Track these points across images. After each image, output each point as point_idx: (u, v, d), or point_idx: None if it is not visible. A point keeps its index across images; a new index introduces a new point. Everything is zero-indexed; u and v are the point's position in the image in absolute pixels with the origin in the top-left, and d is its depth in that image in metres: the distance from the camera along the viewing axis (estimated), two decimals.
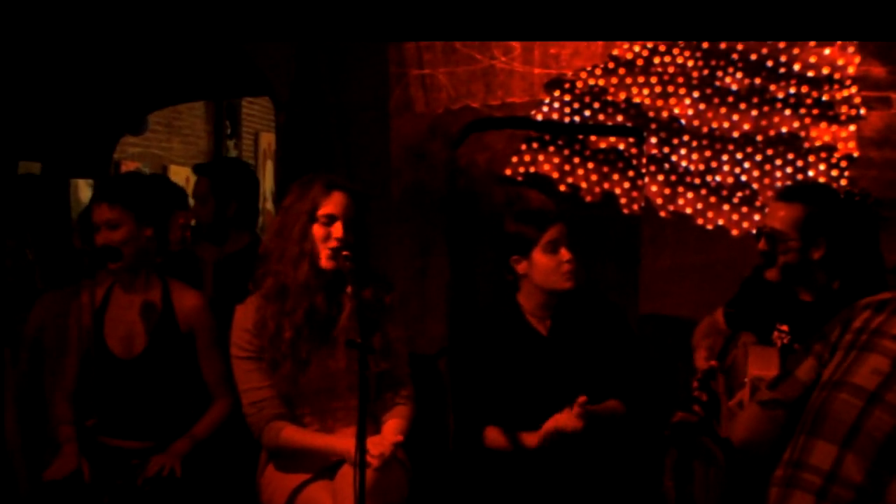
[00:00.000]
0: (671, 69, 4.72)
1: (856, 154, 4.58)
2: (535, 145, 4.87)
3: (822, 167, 4.59)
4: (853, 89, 4.58)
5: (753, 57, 4.63)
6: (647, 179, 4.77)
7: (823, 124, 4.61)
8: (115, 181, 4.23)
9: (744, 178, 4.68)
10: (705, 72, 4.69)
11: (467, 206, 4.86)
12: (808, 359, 2.77)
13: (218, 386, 3.82)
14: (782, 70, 4.62)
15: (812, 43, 4.59)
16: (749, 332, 3.50)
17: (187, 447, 3.69)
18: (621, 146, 4.84)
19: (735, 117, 4.67)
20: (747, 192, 4.67)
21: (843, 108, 4.59)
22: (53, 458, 3.64)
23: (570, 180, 4.85)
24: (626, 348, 3.78)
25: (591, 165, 4.85)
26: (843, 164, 4.58)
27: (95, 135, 7.39)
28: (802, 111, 4.62)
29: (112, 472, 3.59)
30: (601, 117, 4.80)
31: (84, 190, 7.28)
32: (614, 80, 4.76)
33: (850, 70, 4.57)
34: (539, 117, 4.81)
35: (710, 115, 4.70)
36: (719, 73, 4.68)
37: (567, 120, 4.80)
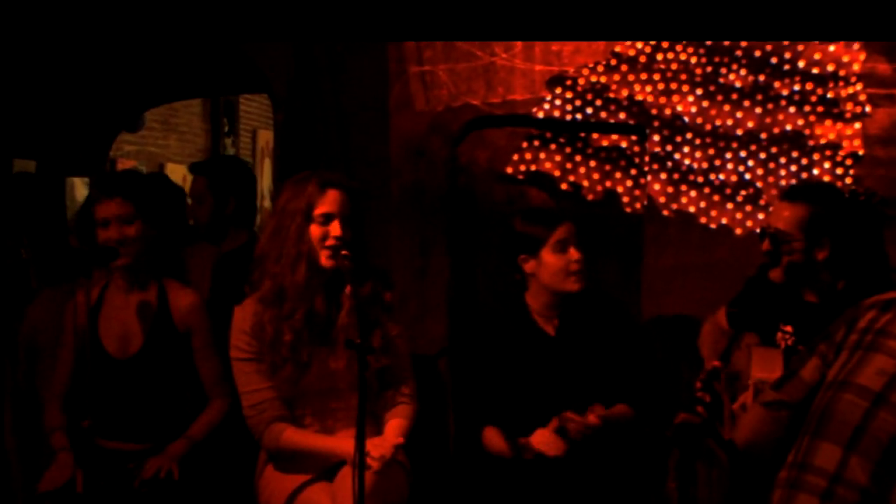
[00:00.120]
0: (674, 66, 4.72)
1: (861, 152, 4.58)
2: (536, 143, 4.87)
3: (826, 165, 4.59)
4: (858, 86, 4.58)
5: (757, 54, 4.63)
6: (649, 178, 4.77)
7: (828, 122, 4.61)
8: (124, 177, 4.20)
9: (748, 176, 4.68)
10: (709, 69, 4.69)
11: (468, 204, 4.86)
12: (812, 359, 2.78)
13: (214, 386, 3.82)
14: (787, 67, 4.62)
15: None
16: (752, 332, 3.50)
17: (184, 449, 3.69)
18: (623, 144, 4.84)
19: (739, 115, 4.67)
20: (751, 190, 4.68)
21: (849, 106, 4.59)
22: (48, 466, 3.63)
23: (571, 178, 4.85)
24: (634, 351, 3.78)
25: (592, 163, 4.85)
26: (849, 162, 4.58)
27: (91, 132, 7.38)
28: (807, 108, 4.62)
29: (109, 475, 3.59)
30: (603, 115, 4.80)
31: (80, 188, 7.27)
32: (616, 77, 4.76)
33: (856, 67, 4.57)
34: (540, 115, 4.81)
35: (713, 112, 4.70)
36: (723, 70, 4.68)
37: (569, 117, 4.80)
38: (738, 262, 4.40)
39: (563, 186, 4.84)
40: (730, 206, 4.70)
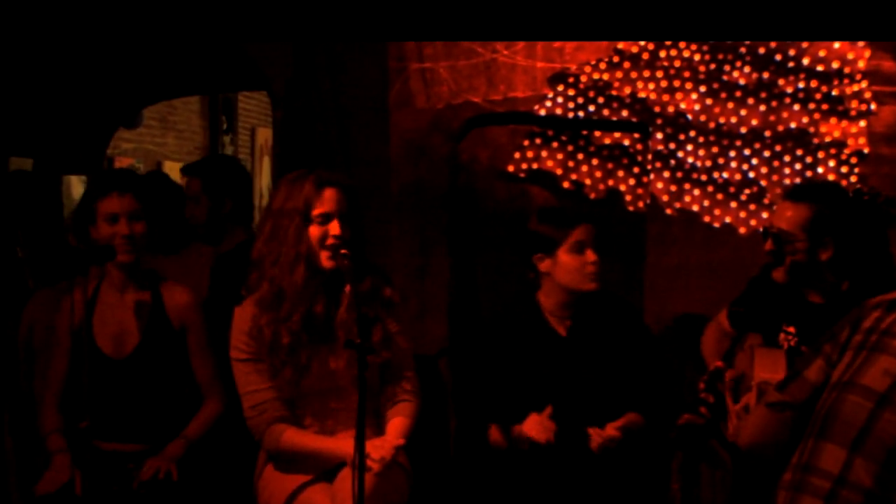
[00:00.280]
0: (677, 63, 4.72)
1: (866, 150, 4.58)
2: (538, 141, 4.87)
3: (831, 164, 4.60)
4: (863, 84, 4.58)
5: (761, 51, 4.63)
6: (652, 176, 4.77)
7: (833, 120, 4.61)
8: (131, 174, 4.18)
9: (751, 174, 4.68)
10: (712, 66, 4.69)
11: (469, 203, 4.86)
12: (817, 359, 2.78)
13: (209, 384, 3.83)
14: (791, 64, 4.62)
15: None
16: (755, 333, 3.50)
17: (182, 449, 3.69)
18: (626, 142, 4.84)
19: (743, 112, 4.67)
20: (755, 189, 4.68)
21: (854, 104, 4.59)
22: (45, 468, 3.63)
23: (573, 177, 4.85)
24: (645, 355, 3.79)
25: (595, 162, 4.85)
26: (853, 160, 4.59)
27: (88, 130, 7.39)
28: (812, 106, 4.63)
29: (107, 476, 3.59)
30: (606, 112, 4.80)
31: (77, 186, 7.27)
32: (619, 75, 4.76)
33: (861, 64, 4.57)
34: (542, 112, 4.82)
35: (717, 110, 4.70)
36: (727, 68, 4.68)
37: (571, 115, 4.80)
38: (742, 262, 4.40)
39: (565, 185, 4.85)
40: (733, 204, 4.70)
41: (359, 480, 2.91)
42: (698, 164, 4.73)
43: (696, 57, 4.70)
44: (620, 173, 4.85)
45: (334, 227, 3.32)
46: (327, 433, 3.42)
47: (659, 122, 4.75)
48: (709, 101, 4.71)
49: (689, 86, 4.71)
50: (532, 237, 3.73)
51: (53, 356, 3.73)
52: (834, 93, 4.60)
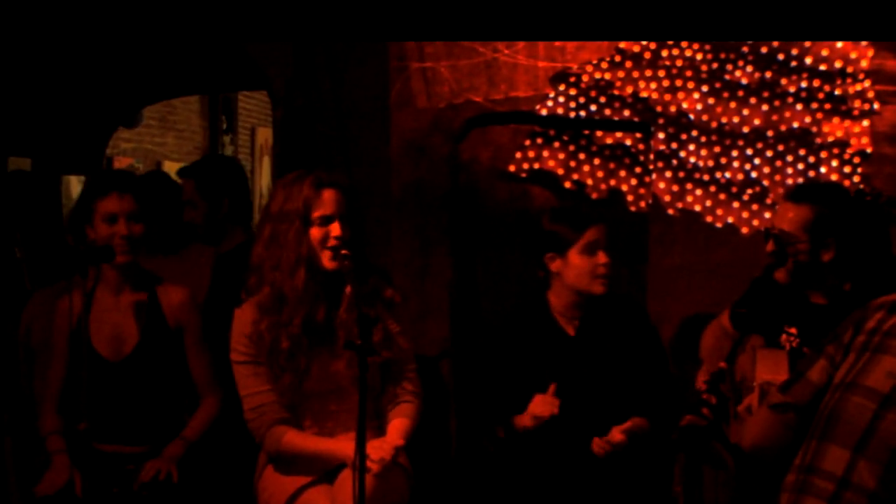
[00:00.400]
0: (679, 63, 4.71)
1: (869, 150, 4.58)
2: (539, 141, 4.87)
3: (834, 163, 4.59)
4: (866, 83, 4.58)
5: (764, 50, 4.63)
6: (654, 176, 4.77)
7: (836, 119, 4.60)
8: (130, 175, 4.17)
9: (754, 174, 4.68)
10: (714, 65, 4.69)
11: (470, 203, 4.86)
12: (819, 361, 2.78)
13: (206, 383, 3.83)
14: (793, 64, 4.62)
15: None
16: (757, 334, 3.50)
17: (181, 450, 3.70)
18: (628, 142, 4.84)
19: (745, 112, 4.67)
20: (757, 188, 4.67)
21: (857, 103, 4.59)
22: (45, 469, 3.63)
23: (575, 177, 4.85)
24: (653, 361, 3.79)
25: (597, 161, 4.85)
26: (856, 160, 4.58)
27: (87, 130, 7.39)
28: (814, 106, 4.62)
29: (107, 478, 3.59)
30: (607, 112, 4.79)
31: (76, 186, 7.29)
32: (621, 74, 4.76)
33: (864, 64, 4.57)
34: (544, 112, 4.81)
35: (719, 109, 4.69)
36: (729, 67, 4.68)
37: (572, 115, 4.80)
38: (744, 262, 4.40)
39: (567, 185, 4.84)
40: (736, 204, 4.70)
41: (359, 482, 2.91)
42: (700, 163, 4.73)
43: (699, 56, 4.70)
44: (622, 173, 4.85)
45: (335, 229, 3.32)
46: (327, 435, 3.42)
47: (661, 121, 4.75)
48: (711, 101, 4.70)
49: (691, 85, 4.70)
50: (544, 236, 3.73)
51: (51, 359, 3.73)
52: (837, 92, 4.60)
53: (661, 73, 4.73)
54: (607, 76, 4.77)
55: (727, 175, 4.70)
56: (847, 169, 4.58)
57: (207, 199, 4.66)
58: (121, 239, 3.62)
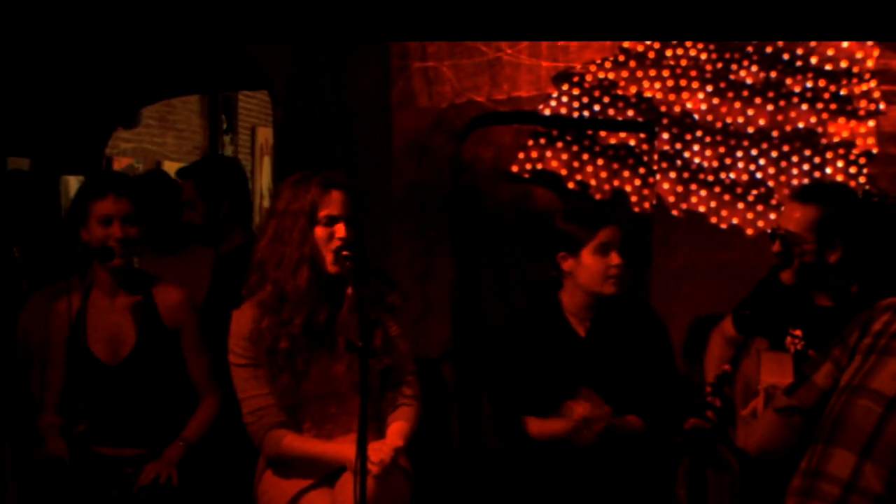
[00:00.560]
0: (684, 62, 4.71)
1: (875, 150, 4.57)
2: (542, 141, 4.87)
3: (839, 164, 4.59)
4: (872, 83, 4.57)
5: (769, 50, 4.62)
6: (658, 176, 4.76)
7: (841, 119, 4.60)
8: (127, 177, 4.15)
9: (759, 175, 4.67)
10: (719, 65, 4.69)
11: (472, 204, 4.86)
12: (825, 364, 2.77)
13: (205, 383, 3.82)
14: (799, 63, 4.62)
15: None
16: (761, 336, 3.50)
17: (181, 452, 3.69)
18: (632, 142, 4.83)
19: (750, 112, 4.67)
20: (762, 189, 4.67)
21: (862, 103, 4.59)
22: (43, 472, 3.62)
23: (578, 177, 4.84)
24: (661, 365, 3.78)
25: (600, 162, 4.85)
26: (862, 160, 4.58)
27: (87, 130, 7.39)
28: (820, 106, 4.62)
29: (107, 482, 3.59)
30: (611, 112, 4.79)
31: (75, 186, 7.28)
32: (625, 74, 4.75)
33: (869, 63, 4.57)
34: (547, 112, 4.81)
35: (724, 109, 4.69)
36: (734, 67, 4.67)
37: (576, 115, 4.79)
38: (750, 263, 4.39)
39: (570, 185, 4.84)
40: (741, 205, 4.69)
41: (360, 485, 2.91)
42: (705, 164, 4.72)
43: (703, 56, 4.70)
44: (626, 174, 4.84)
45: (340, 230, 3.32)
46: (325, 437, 3.42)
47: (665, 121, 4.74)
48: (715, 101, 4.70)
49: (695, 85, 4.70)
50: (557, 235, 3.72)
51: (49, 363, 3.72)
52: (842, 92, 4.59)
53: (666, 73, 4.73)
54: (611, 76, 4.77)
55: (732, 176, 4.69)
56: (853, 170, 4.58)
57: (207, 200, 4.65)
58: (116, 242, 3.59)
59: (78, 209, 3.68)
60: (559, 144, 4.85)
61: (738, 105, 4.68)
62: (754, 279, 3.70)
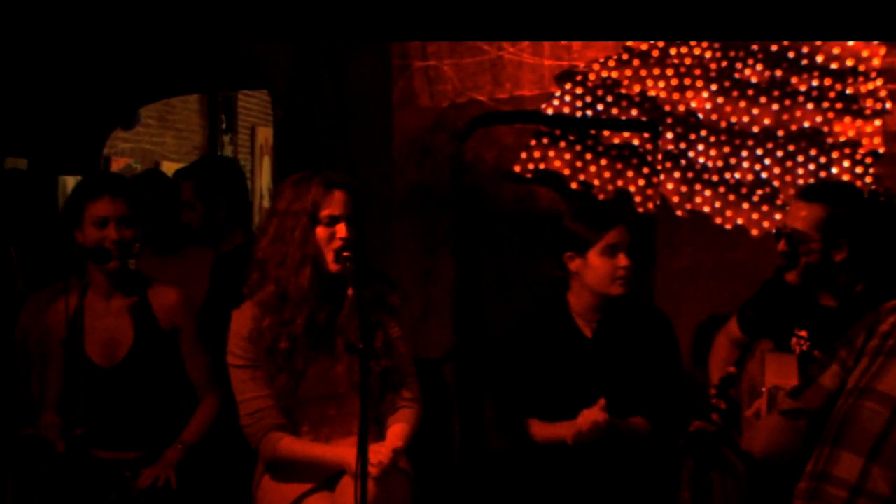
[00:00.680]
0: (688, 61, 4.71)
1: (881, 150, 4.57)
2: (545, 141, 4.86)
3: (846, 164, 4.58)
4: (878, 82, 4.57)
5: (774, 49, 4.62)
6: (662, 176, 4.76)
7: (847, 119, 4.60)
8: (123, 178, 4.12)
9: (764, 175, 4.67)
10: (724, 64, 4.68)
11: (474, 204, 4.86)
12: (832, 365, 2.77)
13: (204, 384, 3.81)
14: (804, 62, 4.61)
15: None
16: (766, 338, 3.49)
17: (179, 455, 3.69)
18: (636, 141, 4.83)
19: (755, 111, 4.66)
20: (768, 189, 4.67)
21: (868, 102, 4.58)
22: (40, 475, 3.62)
23: (581, 177, 4.84)
24: (668, 367, 3.78)
25: (604, 162, 4.84)
26: (868, 160, 4.57)
27: (85, 130, 7.40)
28: (825, 105, 4.61)
29: (105, 486, 3.59)
30: (615, 111, 4.79)
31: (73, 187, 7.28)
32: (628, 73, 4.75)
33: (876, 62, 4.56)
34: (549, 111, 4.81)
35: (728, 109, 4.69)
36: (738, 66, 4.67)
37: (579, 114, 4.79)
38: (755, 264, 4.39)
39: (573, 185, 4.84)
40: (746, 205, 4.69)
41: (361, 488, 2.90)
42: (710, 164, 4.72)
43: (708, 55, 4.69)
44: (630, 174, 4.84)
45: (341, 230, 3.32)
46: (324, 440, 3.41)
47: (669, 121, 4.74)
48: (720, 100, 4.69)
49: (700, 84, 4.70)
50: (564, 235, 3.71)
51: (47, 367, 3.72)
52: (848, 91, 4.59)
53: (670, 72, 4.72)
54: (614, 75, 4.77)
55: (737, 176, 4.69)
56: (859, 169, 4.57)
57: (205, 201, 4.64)
58: (111, 244, 3.58)
59: (72, 210, 3.65)
60: (562, 144, 4.85)
61: (742, 104, 4.67)
62: (759, 280, 3.70)
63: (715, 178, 4.71)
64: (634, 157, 4.84)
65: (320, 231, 3.33)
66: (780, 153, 4.65)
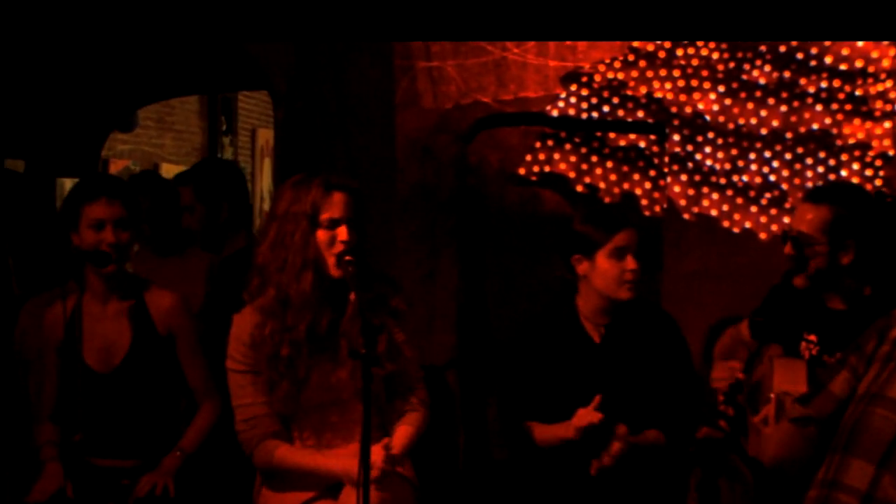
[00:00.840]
0: (695, 62, 4.70)
1: (891, 152, 4.57)
2: (550, 143, 4.87)
3: (855, 166, 4.58)
4: (888, 83, 4.57)
5: (782, 49, 4.62)
6: (669, 179, 4.76)
7: (857, 120, 4.59)
8: (120, 180, 4.11)
9: (772, 177, 4.67)
10: (731, 65, 4.68)
11: (478, 207, 4.85)
12: (842, 372, 2.76)
13: (203, 390, 3.80)
14: (813, 63, 4.61)
15: None
16: (775, 343, 3.49)
17: (178, 462, 3.68)
18: (642, 144, 4.83)
19: (763, 113, 4.66)
20: (776, 192, 4.66)
21: (878, 104, 4.58)
22: (37, 478, 3.61)
23: (587, 180, 4.84)
24: (678, 373, 3.77)
25: (610, 164, 4.85)
26: (878, 162, 4.57)
27: (83, 131, 7.40)
28: (835, 107, 4.61)
29: (102, 493, 3.58)
30: (621, 113, 4.79)
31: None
32: (635, 74, 4.75)
33: (885, 63, 4.56)
34: (554, 113, 4.81)
35: (736, 110, 4.69)
36: (746, 67, 4.67)
37: (584, 116, 4.79)
38: (763, 268, 4.39)
39: (579, 188, 4.84)
40: (754, 209, 4.69)
41: (364, 496, 2.90)
42: (717, 166, 4.72)
43: (715, 55, 4.69)
44: (636, 176, 4.84)
45: (342, 233, 3.31)
46: (326, 447, 3.41)
47: (676, 123, 4.74)
48: (728, 102, 4.69)
49: (707, 85, 4.70)
50: (573, 237, 3.71)
51: (43, 371, 3.71)
52: (858, 93, 4.59)
53: (677, 73, 4.72)
54: (620, 76, 4.77)
55: (744, 178, 4.69)
56: (869, 172, 4.57)
57: (206, 204, 4.65)
58: (108, 247, 3.57)
59: (68, 213, 3.65)
60: (567, 146, 4.85)
61: (750, 106, 4.67)
62: (768, 284, 3.69)
63: (723, 180, 4.71)
64: (641, 160, 4.84)
65: (321, 234, 3.31)
66: (788, 156, 4.65)
